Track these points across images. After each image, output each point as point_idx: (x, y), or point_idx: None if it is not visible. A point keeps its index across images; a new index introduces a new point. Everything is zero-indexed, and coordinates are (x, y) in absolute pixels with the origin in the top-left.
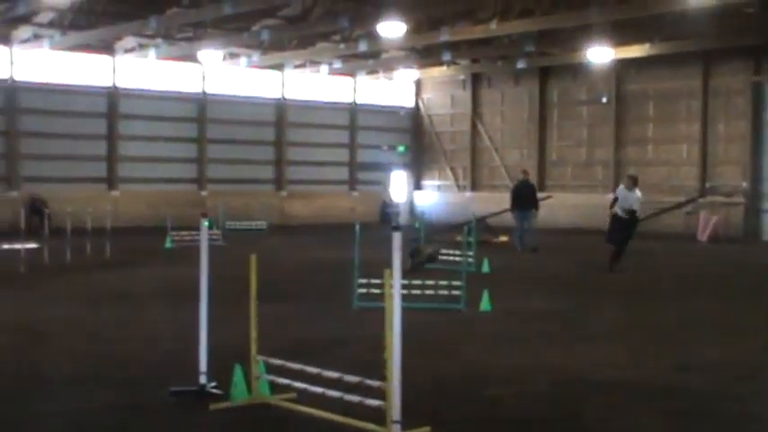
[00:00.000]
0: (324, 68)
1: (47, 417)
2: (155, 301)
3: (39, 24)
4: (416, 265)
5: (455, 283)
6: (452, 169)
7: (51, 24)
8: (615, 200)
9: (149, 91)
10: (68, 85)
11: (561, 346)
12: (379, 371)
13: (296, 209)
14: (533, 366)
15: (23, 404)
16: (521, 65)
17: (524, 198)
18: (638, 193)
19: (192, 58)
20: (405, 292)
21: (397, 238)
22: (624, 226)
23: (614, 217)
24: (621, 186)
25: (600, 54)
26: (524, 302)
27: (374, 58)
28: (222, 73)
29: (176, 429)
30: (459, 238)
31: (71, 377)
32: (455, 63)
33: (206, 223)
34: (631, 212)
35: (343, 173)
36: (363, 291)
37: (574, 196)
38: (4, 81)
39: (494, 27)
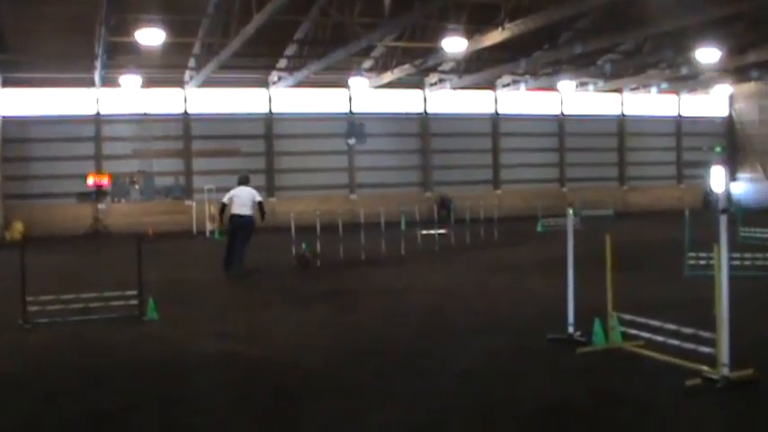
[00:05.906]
0: (653, 89)
1: (458, 355)
2: (531, 271)
3: (442, 71)
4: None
5: None
6: (762, 165)
7: (451, 71)
8: None
9: (520, 115)
10: (463, 114)
11: None
12: (710, 326)
13: (635, 199)
14: None
15: (444, 345)
16: None
17: None
18: None
19: (552, 87)
20: (734, 263)
21: (723, 220)
22: None
23: None
24: None
25: None
26: None
27: (693, 79)
28: (575, 97)
29: (553, 367)
30: None
31: (475, 327)
32: (761, 79)
33: (571, 212)
34: None
35: (671, 170)
36: (692, 262)
37: None
38: (420, 114)
39: None
